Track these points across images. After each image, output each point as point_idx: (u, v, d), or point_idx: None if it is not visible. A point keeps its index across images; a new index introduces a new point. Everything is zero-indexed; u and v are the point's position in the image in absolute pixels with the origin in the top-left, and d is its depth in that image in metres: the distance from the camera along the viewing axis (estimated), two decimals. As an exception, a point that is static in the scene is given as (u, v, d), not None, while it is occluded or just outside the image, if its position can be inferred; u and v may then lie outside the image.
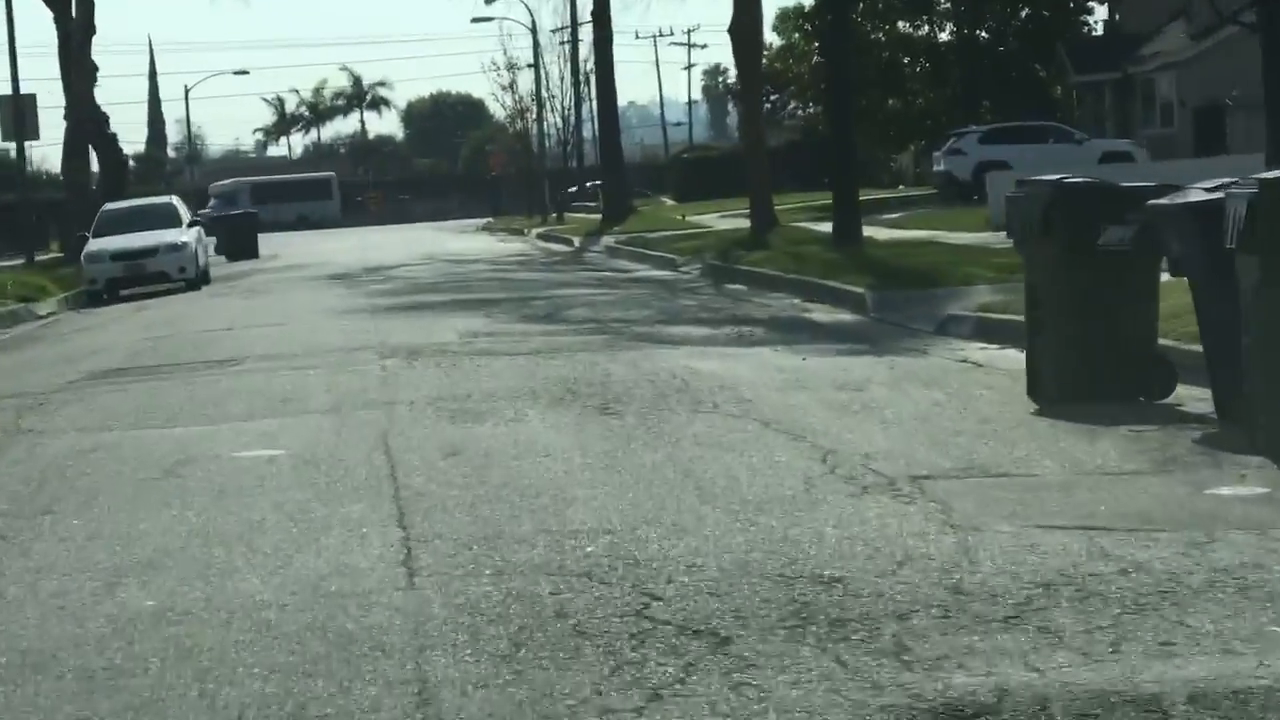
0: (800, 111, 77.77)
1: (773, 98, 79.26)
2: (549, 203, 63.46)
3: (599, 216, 56.96)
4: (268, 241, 62.61)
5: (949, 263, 22.76)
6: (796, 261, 25.77)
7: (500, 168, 79.19)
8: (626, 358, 14.88)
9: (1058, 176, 12.02)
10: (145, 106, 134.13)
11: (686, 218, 50.43)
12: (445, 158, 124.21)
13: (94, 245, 32.77)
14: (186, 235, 33.23)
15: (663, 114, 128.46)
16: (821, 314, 19.90)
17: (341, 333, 19.07)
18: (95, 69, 48.02)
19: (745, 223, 41.45)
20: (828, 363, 14.38)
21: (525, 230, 58.05)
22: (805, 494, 8.52)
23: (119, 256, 32.15)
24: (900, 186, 64.99)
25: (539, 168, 68.28)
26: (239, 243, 48.44)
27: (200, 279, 33.07)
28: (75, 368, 17.27)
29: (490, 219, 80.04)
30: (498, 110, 76.70)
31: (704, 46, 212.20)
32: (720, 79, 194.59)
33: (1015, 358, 13.86)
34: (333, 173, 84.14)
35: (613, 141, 51.41)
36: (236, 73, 78.68)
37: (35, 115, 40.18)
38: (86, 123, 44.86)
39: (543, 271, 31.87)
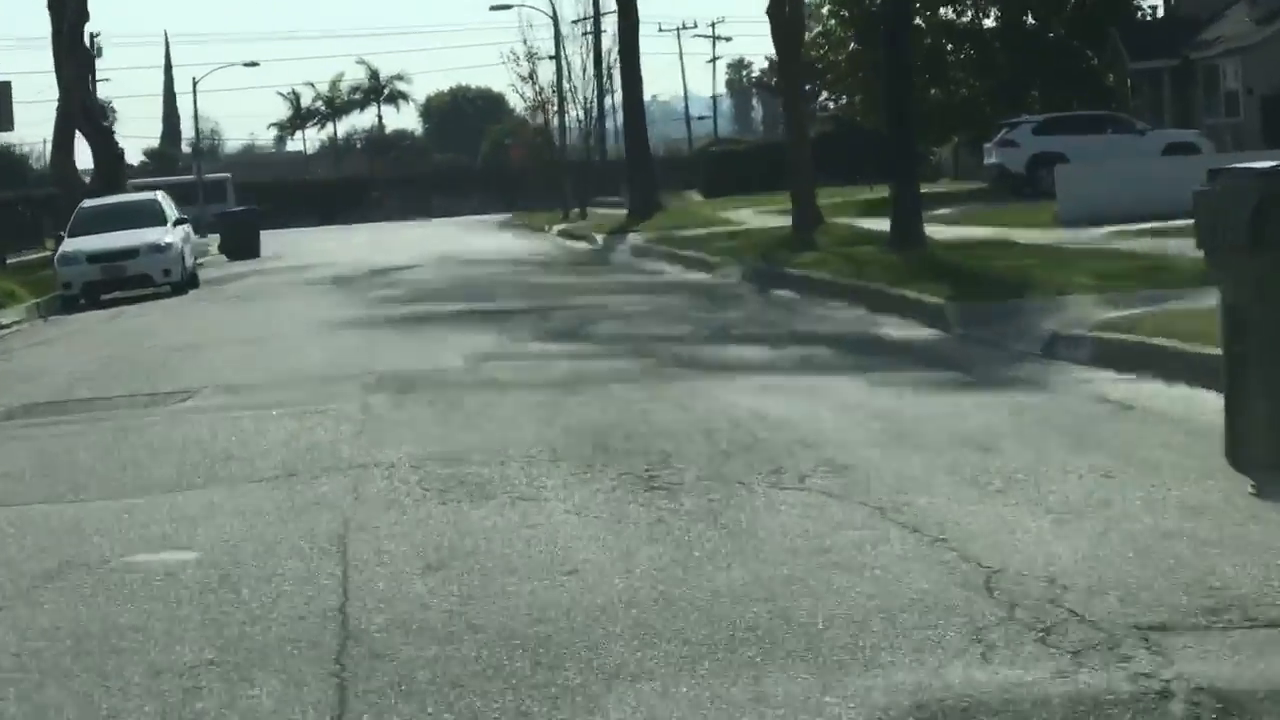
0: (833, 103, 74.45)
1: (804, 88, 76.04)
2: (570, 198, 60.27)
3: (623, 213, 53.83)
4: (276, 239, 59.69)
5: (1033, 267, 19.60)
6: (853, 265, 22.61)
7: (520, 162, 76.08)
8: (672, 394, 11.74)
9: (1268, 165, 8.80)
10: (160, 101, 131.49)
11: (717, 214, 47.24)
12: (465, 153, 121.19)
13: (69, 246, 29.58)
14: (171, 235, 30.10)
15: (686, 107, 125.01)
16: (894, 329, 16.70)
17: (325, 353, 15.97)
18: (91, 59, 45.04)
19: (783, 220, 38.37)
20: (930, 403, 11.21)
21: (546, 227, 54.92)
22: (983, 663, 5.35)
23: (96, 258, 28.99)
24: (942, 180, 61.70)
25: (560, 161, 65.10)
26: (240, 240, 45.41)
27: (187, 282, 29.98)
28: (-4, 400, 14.18)
29: (510, 215, 76.96)
30: (517, 103, 73.56)
31: (729, 39, 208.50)
32: (744, 72, 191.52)
33: (1171, 396, 10.85)
34: (229, 174, 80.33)
35: (639, 133, 48.17)
36: (247, 64, 75.63)
37: (9, 104, 37.04)
38: (75, 114, 41.79)
39: (565, 274, 28.73)
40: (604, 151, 65.19)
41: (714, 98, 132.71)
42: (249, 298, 26.08)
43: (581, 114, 60.67)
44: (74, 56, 41.72)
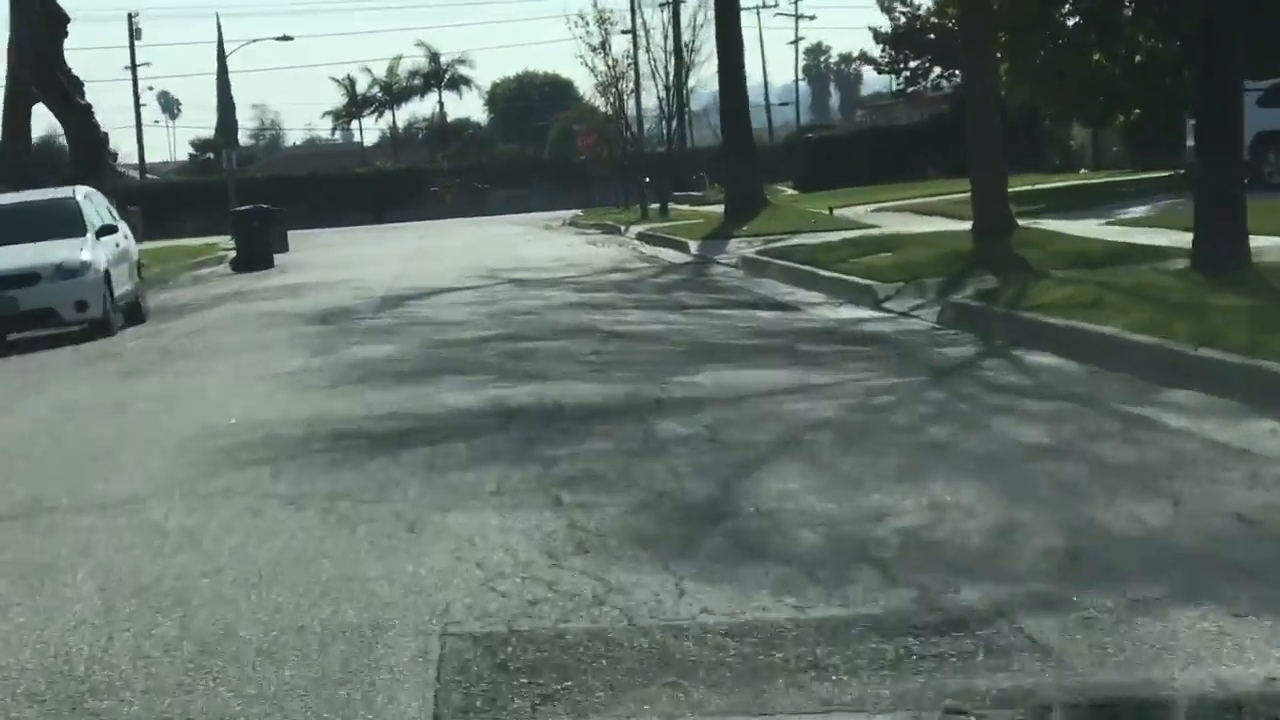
0: (946, 80, 64.38)
1: (911, 65, 66.09)
2: (648, 192, 50.54)
3: (714, 209, 44.23)
4: (309, 242, 50.55)
5: None
6: (1156, 306, 12.99)
7: (590, 151, 66.53)
8: None
9: None
10: (209, 87, 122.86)
11: (834, 213, 37.54)
12: (532, 143, 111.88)
13: (-70, 269, 20.09)
14: (91, 250, 20.55)
15: (766, 92, 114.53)
16: None
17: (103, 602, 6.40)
18: (63, 16, 35.74)
19: (920, 220, 29.02)
20: None
21: (622, 227, 45.29)
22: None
23: (-25, 286, 19.58)
24: (1082, 170, 51.72)
25: (635, 150, 55.45)
26: (250, 247, 36.13)
27: (115, 319, 20.57)
28: None
29: (578, 212, 67.46)
30: (586, 80, 63.76)
31: (812, 18, 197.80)
32: (822, 58, 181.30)
33: None
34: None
35: (738, 114, 38.33)
36: (279, 39, 66.54)
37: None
38: (26, 88, 32.51)
39: (659, 310, 19.00)
40: (686, 138, 54.95)
41: (795, 83, 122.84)
42: (172, 359, 16.45)
43: (662, 92, 50.78)
44: (22, 8, 32.38)
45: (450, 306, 19.97)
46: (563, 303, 19.97)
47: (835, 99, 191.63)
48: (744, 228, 34.01)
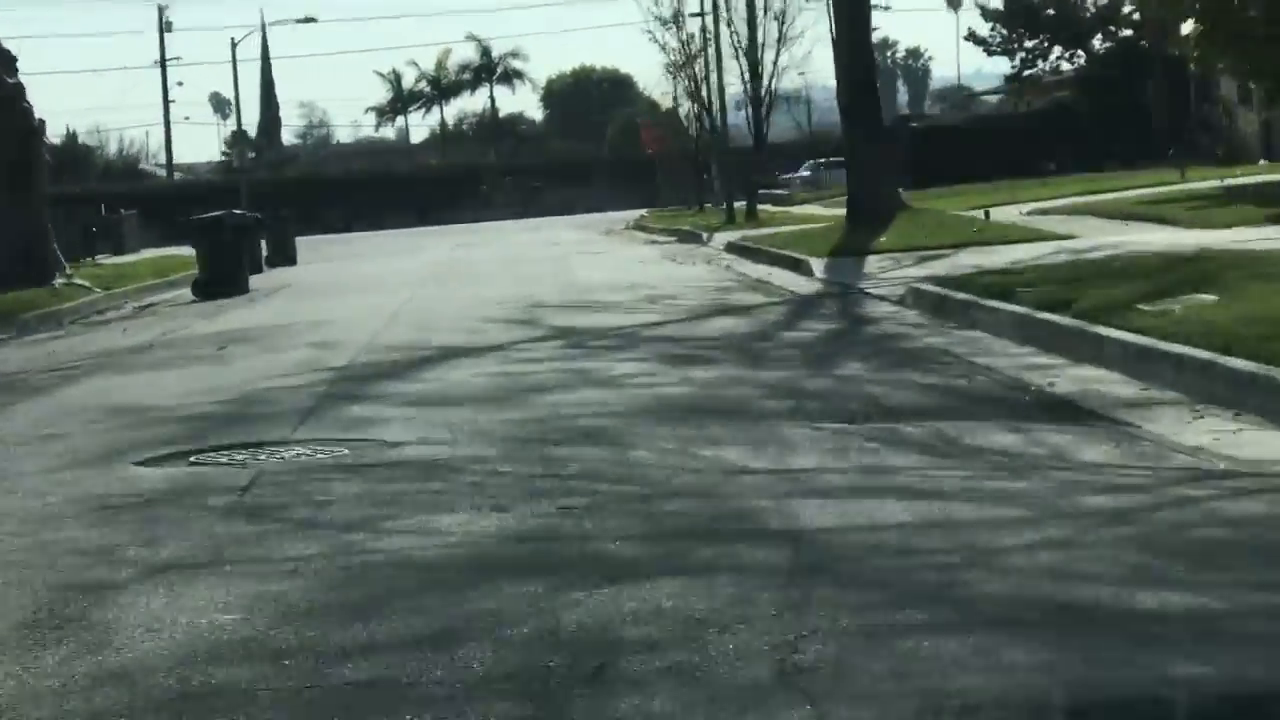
0: (1067, 61, 54.56)
1: (1028, 45, 56.15)
2: (725, 192, 40.94)
3: (809, 210, 34.86)
4: (322, 251, 41.64)
5: None
6: None
7: (657, 146, 57.12)
8: None
9: None
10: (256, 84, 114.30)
11: (992, 217, 27.92)
12: (590, 140, 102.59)
13: None
14: None
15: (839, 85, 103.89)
16: None
17: None
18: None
19: (1149, 230, 20.10)
20: None
21: (703, 235, 35.77)
22: None
23: None
24: (1261, 162, 41.83)
25: (710, 142, 45.92)
26: (218, 268, 26.76)
27: None
28: None
29: (642, 213, 58.08)
30: (650, 70, 54.15)
31: (887, 8, 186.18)
32: (889, 52, 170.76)
33: None
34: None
35: (864, 86, 28.46)
36: (300, 21, 57.34)
37: None
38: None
39: (852, 436, 9.28)
40: (761, 129, 44.67)
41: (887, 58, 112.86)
42: None
43: (747, 74, 40.85)
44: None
45: (439, 408, 10.42)
46: (652, 400, 10.44)
47: (903, 95, 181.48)
48: (881, 238, 24.46)
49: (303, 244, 52.02)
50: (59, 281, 27.75)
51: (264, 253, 39.08)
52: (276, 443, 9.43)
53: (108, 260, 40.71)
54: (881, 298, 17.78)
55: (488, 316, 17.63)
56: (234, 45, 53.54)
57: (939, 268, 20.25)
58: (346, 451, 8.97)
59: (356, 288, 25.53)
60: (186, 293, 27.08)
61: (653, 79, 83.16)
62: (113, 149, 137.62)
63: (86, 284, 27.91)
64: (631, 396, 10.69)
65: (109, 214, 47.61)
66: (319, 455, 8.88)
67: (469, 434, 9.35)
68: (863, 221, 26.52)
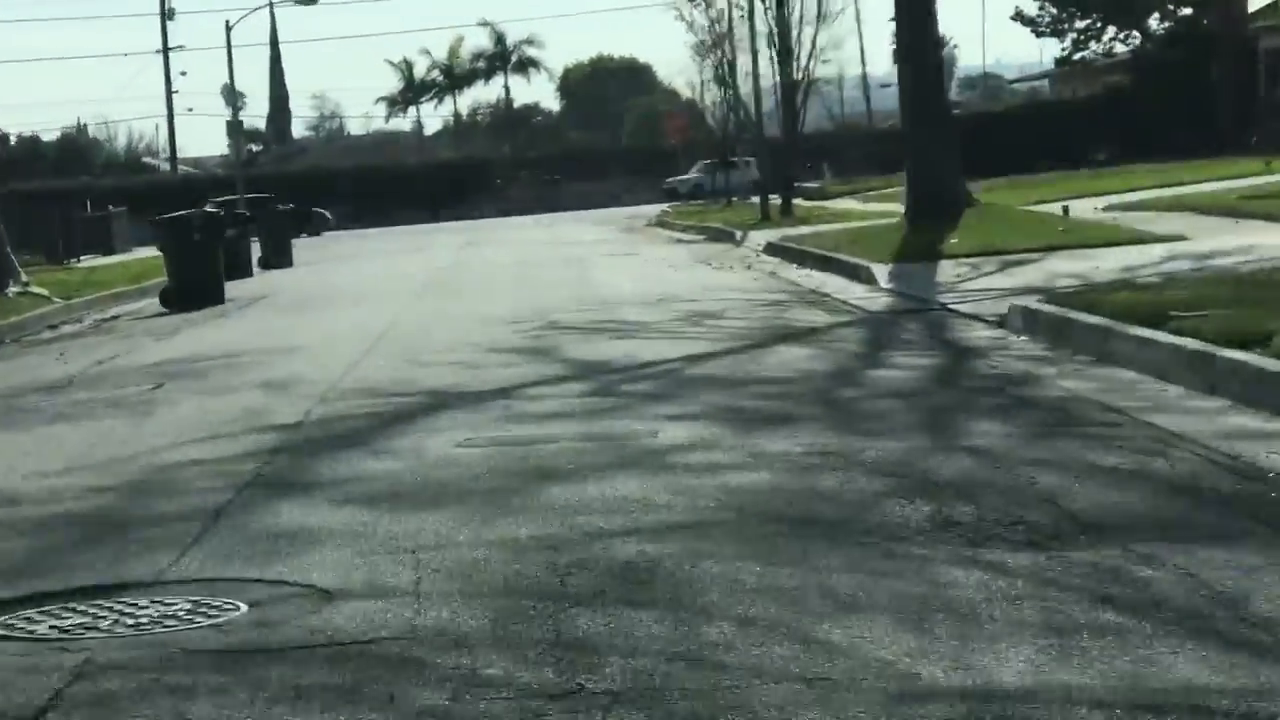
0: (1121, 41, 50.96)
1: (1079, 25, 52.53)
2: (762, 185, 37.46)
3: (848, 205, 31.58)
4: (320, 252, 38.57)
5: None
6: None
7: (681, 135, 53.72)
8: None
9: None
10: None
11: (1068, 213, 24.44)
12: (607, 131, 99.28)
13: None
14: None
15: (864, 72, 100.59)
16: None
17: None
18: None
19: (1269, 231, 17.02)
20: None
21: (736, 233, 32.34)
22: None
23: None
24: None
25: (736, 128, 42.39)
26: (188, 274, 23.39)
27: None
28: None
29: (664, 208, 54.72)
30: (678, 43, 50.78)
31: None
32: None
33: None
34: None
35: (926, 65, 24.84)
36: (300, 1, 53.99)
37: None
38: None
39: (961, 496, 6.24)
40: (795, 116, 41.08)
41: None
42: None
43: (778, 55, 37.19)
44: None
45: (405, 513, 6.93)
46: (719, 499, 6.99)
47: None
48: (950, 239, 21.01)
49: (303, 242, 48.78)
50: (12, 290, 24.48)
51: (259, 253, 35.96)
52: (144, 584, 6.06)
53: (89, 263, 37.54)
54: (974, 317, 14.35)
55: (492, 343, 14.25)
56: (229, 28, 50.06)
57: (1031, 276, 16.87)
58: (241, 611, 5.58)
59: (347, 297, 22.20)
60: (156, 303, 23.74)
61: (674, 68, 79.73)
62: (121, 142, 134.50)
63: (44, 293, 24.61)
64: (687, 491, 7.27)
65: (95, 211, 44.21)
66: (194, 621, 5.48)
67: (444, 574, 5.94)
68: (925, 219, 23.05)
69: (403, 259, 33.93)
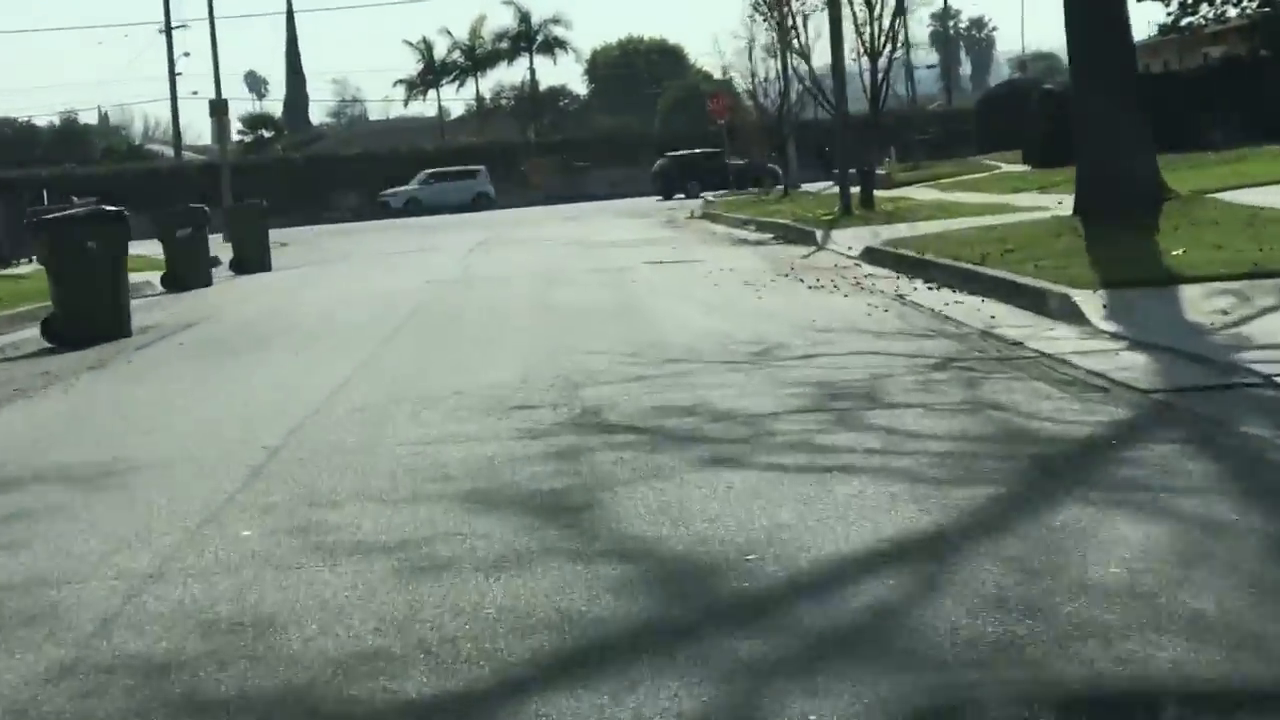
0: (1234, 7, 43.99)
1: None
2: (842, 174, 30.62)
3: (938, 197, 25.38)
4: (304, 255, 32.52)
5: None
6: None
7: (726, 117, 47.10)
8: None
9: None
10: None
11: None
12: (638, 114, 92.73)
13: None
14: None
15: (908, 54, 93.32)
16: None
17: None
18: None
19: None
20: None
21: (815, 232, 25.57)
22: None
23: None
24: None
25: (799, 103, 35.59)
26: (79, 296, 16.78)
27: None
28: None
29: (708, 197, 48.14)
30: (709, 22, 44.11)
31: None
32: (950, 22, 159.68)
33: None
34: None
35: (1105, 18, 17.58)
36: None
37: None
38: None
39: None
40: (880, 91, 33.67)
41: (945, 47, 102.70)
42: None
43: (864, 20, 30.25)
44: None
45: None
46: None
47: (966, 67, 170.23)
48: (1171, 249, 14.26)
49: (301, 238, 42.83)
50: None
51: (233, 254, 30.16)
52: None
53: (23, 269, 31.26)
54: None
55: (477, 463, 7.61)
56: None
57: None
58: None
59: (298, 332, 15.61)
60: (39, 334, 17.12)
61: (701, 48, 72.99)
62: (138, 127, 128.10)
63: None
64: None
65: (56, 203, 37.49)
66: None
67: None
68: (1106, 217, 16.30)
69: (399, 265, 27.47)
